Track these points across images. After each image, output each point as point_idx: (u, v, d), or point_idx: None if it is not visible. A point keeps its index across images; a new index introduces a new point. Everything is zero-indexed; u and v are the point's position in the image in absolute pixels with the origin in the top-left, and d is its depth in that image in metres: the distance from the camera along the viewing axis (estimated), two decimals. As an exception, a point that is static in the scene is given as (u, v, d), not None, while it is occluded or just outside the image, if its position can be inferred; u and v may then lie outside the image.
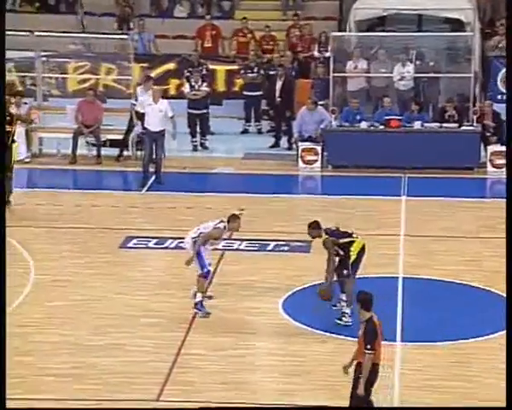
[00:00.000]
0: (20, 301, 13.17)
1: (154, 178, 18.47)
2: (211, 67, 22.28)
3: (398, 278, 14.01)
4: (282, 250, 15.30)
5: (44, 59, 22.13)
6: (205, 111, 21.19)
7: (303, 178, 19.94)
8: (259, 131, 22.12)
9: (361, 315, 9.61)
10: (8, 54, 22.37)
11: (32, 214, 17.10)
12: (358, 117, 20.29)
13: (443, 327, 12.43)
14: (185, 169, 19.81)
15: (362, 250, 12.57)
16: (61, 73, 22.64)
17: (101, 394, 10.77)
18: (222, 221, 12.88)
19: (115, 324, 12.53)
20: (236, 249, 15.29)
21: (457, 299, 13.44)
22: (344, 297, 12.60)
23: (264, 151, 21.04)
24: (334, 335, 12.22)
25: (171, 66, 22.93)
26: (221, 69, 22.99)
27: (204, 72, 21.78)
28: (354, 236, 12.60)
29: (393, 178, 19.11)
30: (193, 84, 20.97)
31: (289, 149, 21.04)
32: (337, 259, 12.53)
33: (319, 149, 19.96)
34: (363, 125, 20.14)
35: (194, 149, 21.03)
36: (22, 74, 21.93)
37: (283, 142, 21.32)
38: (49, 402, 10.54)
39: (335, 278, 12.60)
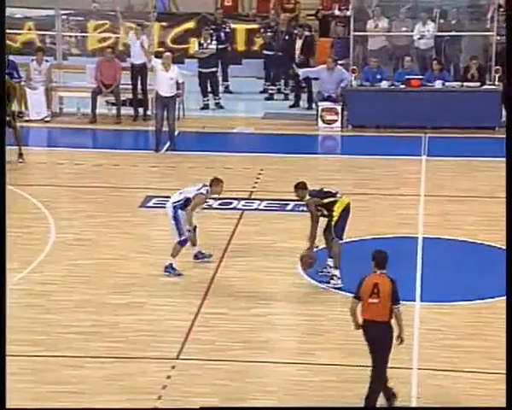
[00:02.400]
0: (42, 259, 13.29)
1: (168, 144, 18.42)
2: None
3: (417, 238, 14.01)
4: (302, 210, 15.28)
5: (64, 17, 22.11)
6: (214, 69, 21.09)
7: (323, 137, 19.89)
8: (279, 91, 22.04)
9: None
10: (28, 12, 22.48)
11: (52, 173, 17.19)
12: (379, 76, 20.18)
13: (461, 287, 12.45)
14: (204, 129, 19.81)
15: (345, 210, 12.39)
16: (81, 32, 22.62)
17: (121, 352, 10.90)
18: (204, 185, 12.87)
19: (135, 283, 12.63)
20: (256, 209, 15.32)
21: (476, 259, 13.44)
22: (331, 263, 12.58)
23: (284, 111, 20.99)
24: (352, 295, 12.25)
25: (190, 25, 22.85)
26: (241, 28, 22.89)
27: (227, 30, 21.72)
28: (338, 196, 12.48)
29: (414, 137, 19.04)
30: (201, 42, 20.90)
31: (309, 108, 20.98)
32: (325, 222, 12.44)
33: (339, 108, 19.89)
34: (384, 84, 20.04)
35: (206, 107, 20.97)
36: (42, 33, 21.91)
37: (303, 101, 21.25)
38: (71, 359, 10.68)
39: (324, 244, 12.53)
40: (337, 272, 12.41)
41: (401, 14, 21.20)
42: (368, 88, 20.06)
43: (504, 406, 9.09)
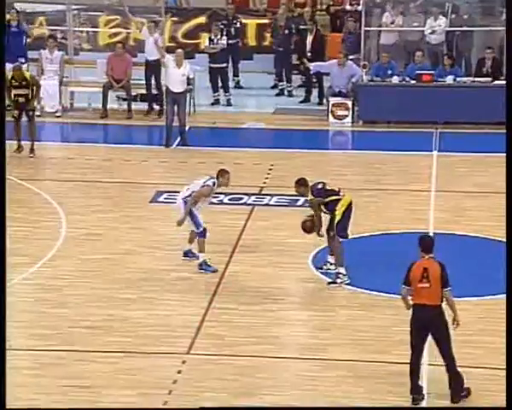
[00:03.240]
0: (53, 254, 13.30)
1: (178, 139, 18.41)
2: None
3: (429, 233, 13.96)
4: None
5: (75, 12, 22.12)
6: (224, 65, 21.07)
7: (333, 133, 19.86)
8: (290, 86, 21.98)
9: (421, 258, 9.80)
10: (40, 7, 22.50)
11: (63, 168, 17.20)
12: (390, 71, 20.13)
13: (473, 283, 12.41)
14: (215, 124, 19.80)
15: (348, 208, 12.36)
16: (92, 27, 22.63)
17: (132, 346, 10.90)
18: (211, 178, 12.83)
19: (146, 277, 12.64)
20: (266, 205, 15.30)
21: (488, 255, 13.40)
22: (331, 260, 12.54)
23: (295, 106, 20.95)
24: (363, 290, 12.25)
25: (201, 20, 22.83)
26: (251, 23, 22.86)
27: (238, 25, 21.70)
28: (341, 194, 12.43)
29: (425, 133, 18.99)
30: (212, 37, 20.87)
31: (320, 103, 20.94)
32: (328, 218, 12.40)
33: (350, 103, 19.85)
34: (395, 79, 19.99)
35: (216, 102, 20.95)
36: (53, 28, 21.92)
37: (314, 97, 21.21)
38: (81, 354, 10.69)
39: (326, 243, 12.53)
40: (342, 270, 12.37)
41: (412, 8, 21.14)
42: (379, 83, 20.01)
43: (504, 406, 9.08)
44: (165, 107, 18.81)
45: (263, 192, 15.85)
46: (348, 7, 22.46)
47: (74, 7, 21.89)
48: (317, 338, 11.14)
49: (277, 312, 11.79)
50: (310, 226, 12.51)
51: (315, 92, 21.19)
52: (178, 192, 13.08)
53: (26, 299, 12.13)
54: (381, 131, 19.46)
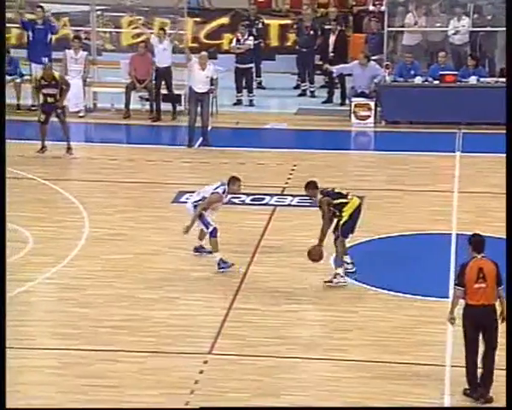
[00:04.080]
0: (76, 254, 13.37)
1: (201, 139, 18.44)
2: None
3: (451, 234, 13.93)
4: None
5: (99, 13, 22.21)
6: (250, 65, 21.09)
7: (356, 133, 19.83)
8: (312, 87, 21.95)
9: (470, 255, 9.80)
10: (63, 8, 22.62)
11: (86, 168, 17.29)
12: (412, 72, 20.08)
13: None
14: (238, 124, 19.82)
15: (355, 211, 12.36)
16: (115, 28, 22.72)
17: (154, 346, 10.94)
18: (222, 184, 12.83)
19: (168, 277, 12.68)
20: (288, 205, 15.31)
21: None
22: (347, 259, 12.49)
23: (317, 107, 20.94)
24: (385, 291, 12.24)
25: (224, 20, 22.87)
26: (274, 23, 22.87)
27: (260, 26, 21.73)
28: (349, 197, 12.46)
29: (448, 133, 18.92)
30: (239, 38, 20.91)
31: (342, 104, 20.92)
32: (335, 220, 12.41)
33: (372, 104, 19.81)
34: (418, 80, 19.93)
35: (239, 102, 20.97)
36: (77, 28, 22.03)
37: (336, 97, 21.19)
38: (104, 353, 10.74)
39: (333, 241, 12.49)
40: (340, 271, 12.35)
41: (435, 9, 21.07)
42: (401, 84, 19.95)
43: (504, 406, 9.05)
44: (188, 107, 18.84)
45: (285, 193, 15.86)
46: (371, 7, 22.43)
47: (98, 7, 21.99)
48: (337, 339, 11.13)
49: (299, 312, 11.80)
50: (316, 252, 12.44)
51: (337, 93, 21.18)
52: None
53: (49, 298, 12.21)
54: (403, 131, 19.41)
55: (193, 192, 13.61)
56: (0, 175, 10.13)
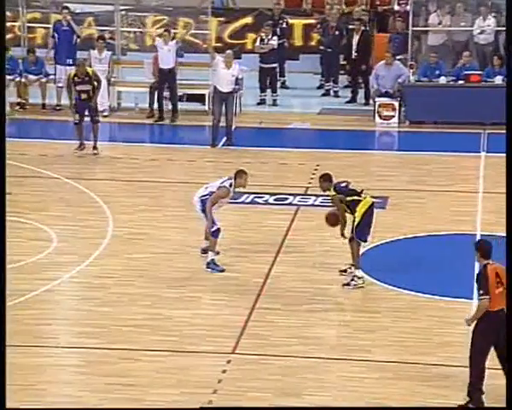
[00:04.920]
0: (100, 253, 13.42)
1: (224, 139, 18.43)
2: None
3: (475, 235, 13.85)
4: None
5: (123, 13, 22.28)
6: (274, 65, 21.07)
7: (380, 133, 19.77)
8: (336, 86, 21.90)
9: (479, 262, 9.64)
10: (88, 7, 22.70)
11: (109, 167, 17.34)
12: (437, 72, 19.99)
13: None
14: (261, 124, 19.82)
15: (368, 211, 12.19)
16: (139, 27, 22.77)
17: (176, 345, 10.95)
18: (229, 178, 12.74)
19: (191, 277, 12.69)
20: (311, 205, 15.29)
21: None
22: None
23: (341, 106, 20.90)
24: (408, 292, 12.19)
25: (248, 20, 22.87)
26: (298, 23, 22.85)
27: (284, 25, 21.71)
28: (363, 195, 12.29)
29: (473, 134, 18.83)
30: (263, 37, 20.90)
31: (366, 104, 20.86)
32: (351, 218, 12.28)
33: (396, 104, 19.74)
34: (442, 80, 19.85)
35: (262, 102, 20.95)
36: (101, 28, 22.10)
37: (360, 97, 21.14)
38: (126, 352, 10.77)
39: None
40: (357, 272, 12.29)
41: (460, 8, 20.97)
42: (426, 83, 19.88)
43: (504, 406, 8.97)
44: (211, 106, 18.86)
45: (308, 193, 15.84)
46: (396, 7, 22.35)
47: (122, 7, 22.05)
48: (361, 339, 11.10)
49: (321, 313, 11.77)
50: (334, 220, 12.40)
51: (361, 93, 21.12)
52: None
53: (73, 297, 12.26)
54: (427, 131, 19.33)
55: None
56: (0, 175, 10.12)
